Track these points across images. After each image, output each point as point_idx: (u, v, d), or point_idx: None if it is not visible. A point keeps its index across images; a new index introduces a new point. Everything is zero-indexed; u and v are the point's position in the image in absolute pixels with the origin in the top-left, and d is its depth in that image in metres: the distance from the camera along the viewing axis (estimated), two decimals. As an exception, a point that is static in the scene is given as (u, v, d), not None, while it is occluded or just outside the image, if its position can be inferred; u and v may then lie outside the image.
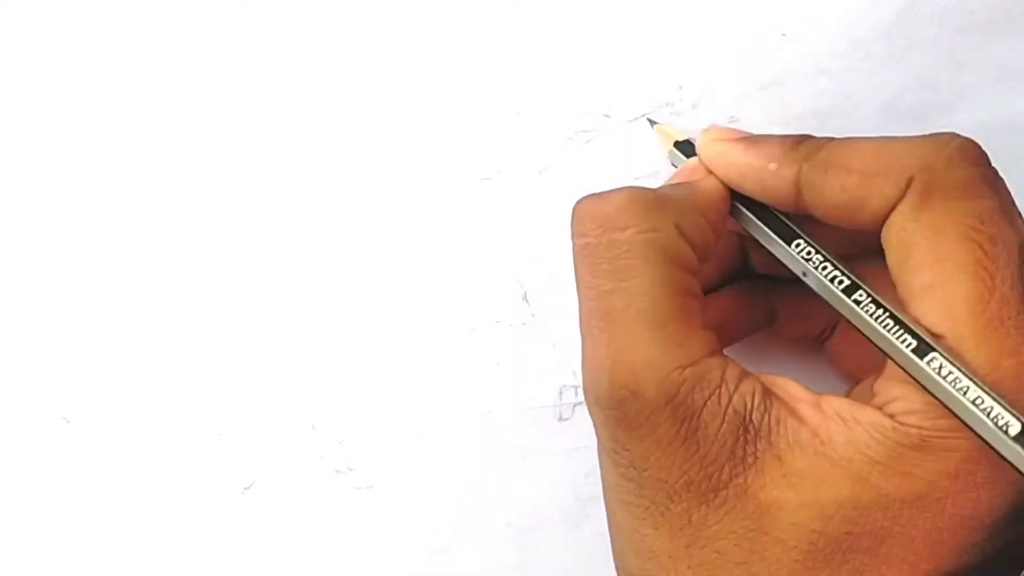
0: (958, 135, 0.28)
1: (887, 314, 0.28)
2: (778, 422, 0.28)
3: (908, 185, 0.27)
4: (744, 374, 0.28)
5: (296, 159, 0.37)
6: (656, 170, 0.36)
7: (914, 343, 0.27)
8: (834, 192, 0.28)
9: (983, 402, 0.26)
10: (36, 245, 0.37)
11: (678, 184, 0.31)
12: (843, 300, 0.28)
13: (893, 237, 0.28)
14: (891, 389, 0.28)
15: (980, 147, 0.28)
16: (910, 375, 0.27)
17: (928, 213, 0.27)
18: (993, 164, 0.28)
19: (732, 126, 0.35)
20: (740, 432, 0.27)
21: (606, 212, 0.28)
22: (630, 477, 0.28)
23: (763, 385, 0.28)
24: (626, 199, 0.28)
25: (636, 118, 0.36)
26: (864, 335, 0.28)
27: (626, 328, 0.28)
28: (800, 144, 0.30)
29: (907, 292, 0.27)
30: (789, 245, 0.30)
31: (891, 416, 0.27)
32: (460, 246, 0.36)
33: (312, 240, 0.37)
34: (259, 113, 0.37)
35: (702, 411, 0.27)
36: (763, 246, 0.31)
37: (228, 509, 0.37)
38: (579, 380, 0.36)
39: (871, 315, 0.28)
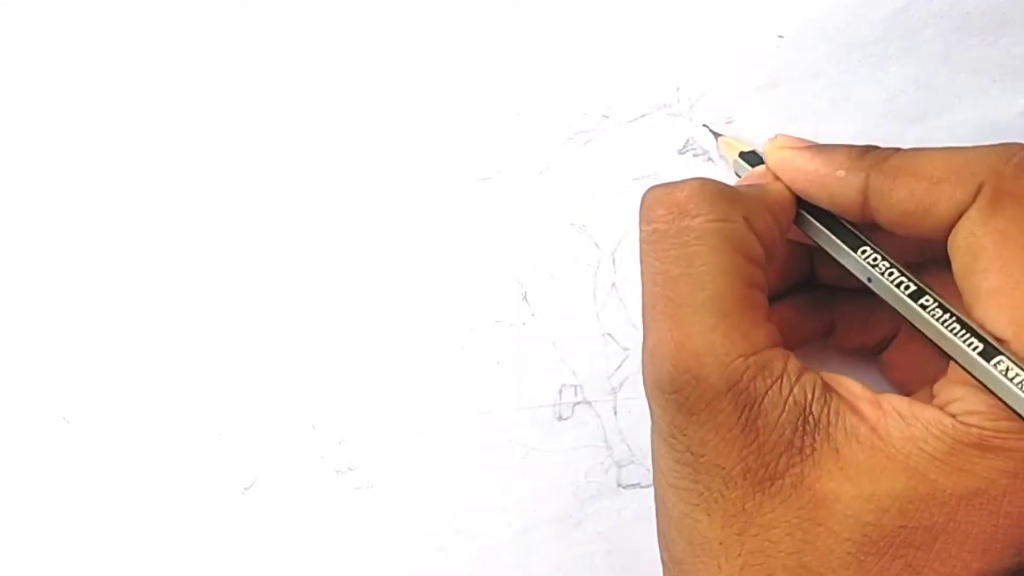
0: None
1: (953, 318, 0.28)
2: (837, 415, 0.28)
3: (978, 191, 0.28)
4: (805, 368, 0.28)
5: (296, 159, 0.37)
6: (656, 170, 0.36)
7: (981, 346, 0.27)
8: (902, 198, 0.29)
9: None
10: (36, 245, 0.37)
11: (747, 185, 0.32)
12: (909, 305, 0.29)
13: (961, 242, 0.28)
14: (952, 391, 0.28)
15: None
16: (975, 378, 0.27)
17: (997, 219, 0.27)
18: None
19: (729, 127, 0.36)
20: (799, 423, 0.28)
21: (677, 199, 0.29)
22: (686, 462, 0.28)
23: (823, 380, 0.29)
24: (697, 188, 0.29)
25: (635, 118, 0.36)
26: (929, 340, 0.28)
27: (691, 314, 0.28)
28: (867, 153, 0.30)
29: (973, 296, 0.28)
30: (855, 252, 0.30)
31: (952, 416, 0.27)
32: (460, 246, 0.36)
33: (312, 240, 0.37)
34: (259, 113, 0.37)
35: (763, 399, 0.28)
36: (828, 255, 0.31)
37: (228, 509, 0.37)
38: (578, 379, 0.37)
39: (938, 319, 0.28)
